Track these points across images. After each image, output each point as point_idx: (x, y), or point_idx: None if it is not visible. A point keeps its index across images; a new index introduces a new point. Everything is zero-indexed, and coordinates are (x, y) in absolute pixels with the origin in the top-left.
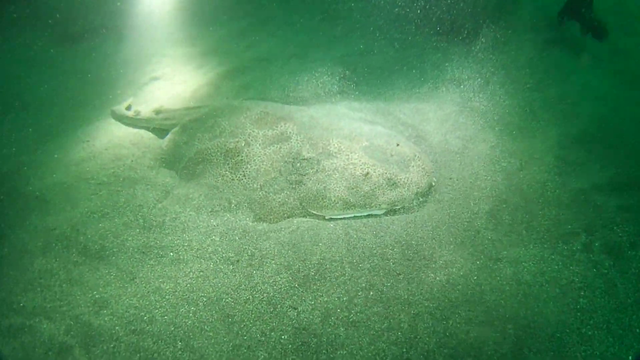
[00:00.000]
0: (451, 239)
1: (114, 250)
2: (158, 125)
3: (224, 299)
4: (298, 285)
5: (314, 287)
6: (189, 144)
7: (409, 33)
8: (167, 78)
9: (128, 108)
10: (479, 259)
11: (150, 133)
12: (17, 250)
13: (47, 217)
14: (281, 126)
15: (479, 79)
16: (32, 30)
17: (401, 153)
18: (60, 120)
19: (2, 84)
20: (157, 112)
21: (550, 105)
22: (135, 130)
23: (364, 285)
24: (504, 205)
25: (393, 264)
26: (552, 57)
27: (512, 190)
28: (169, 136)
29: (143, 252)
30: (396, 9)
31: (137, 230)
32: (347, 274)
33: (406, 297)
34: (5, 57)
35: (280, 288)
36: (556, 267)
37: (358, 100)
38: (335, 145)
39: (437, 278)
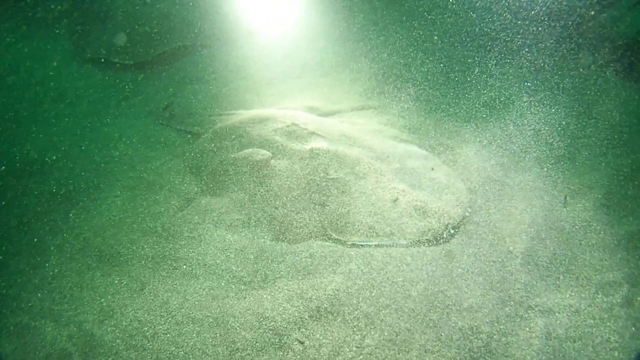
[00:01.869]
0: (480, 280)
1: (129, 257)
2: (190, 128)
3: (230, 322)
4: (309, 316)
5: (325, 320)
6: (216, 152)
7: (459, 46)
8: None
9: (166, 107)
10: (508, 305)
11: (182, 136)
12: (34, 246)
13: (69, 215)
14: (311, 141)
15: (524, 99)
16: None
17: (435, 178)
18: (97, 114)
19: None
20: (190, 114)
21: (601, 133)
22: (168, 132)
23: (378, 323)
24: (542, 245)
25: (413, 303)
26: (605, 81)
27: (553, 229)
28: (198, 141)
29: (156, 262)
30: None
31: (154, 238)
32: (362, 310)
33: (423, 342)
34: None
35: (290, 318)
36: (592, 321)
37: (394, 115)
38: (365, 166)
39: (460, 323)
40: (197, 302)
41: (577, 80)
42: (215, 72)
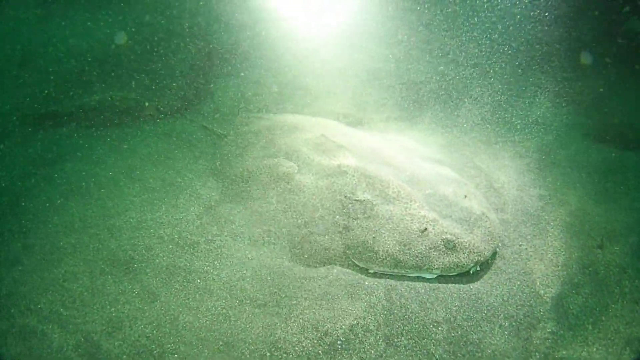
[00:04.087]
0: (506, 324)
1: (143, 264)
2: (216, 128)
3: (240, 348)
4: (322, 352)
5: (340, 357)
6: (241, 157)
7: (503, 62)
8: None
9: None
10: (533, 356)
11: (209, 135)
12: (49, 243)
13: (87, 211)
14: (339, 157)
15: (566, 128)
16: None
17: (467, 209)
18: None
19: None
20: (218, 112)
21: None
22: (194, 128)
23: None
24: (574, 292)
25: (434, 345)
26: None
27: (587, 273)
28: (223, 143)
29: (171, 273)
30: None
31: (170, 246)
32: (379, 349)
33: None
34: None
35: (302, 351)
36: None
37: (429, 131)
38: (394, 190)
39: None
40: (208, 322)
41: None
42: None
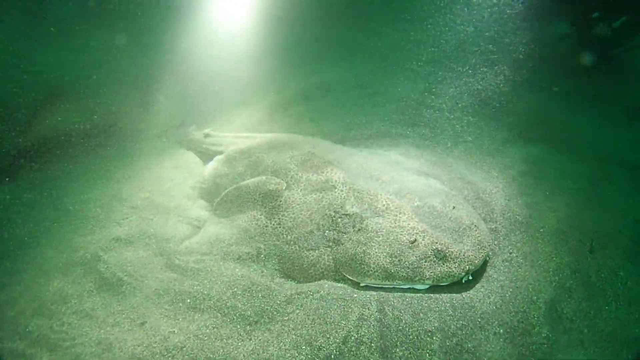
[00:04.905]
0: (501, 332)
1: (132, 286)
2: (205, 150)
3: None
4: None
5: None
6: (229, 177)
7: (488, 77)
8: (226, 100)
9: (180, 126)
10: None
11: (196, 157)
12: (38, 265)
13: (75, 235)
14: (327, 172)
15: (552, 140)
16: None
17: (457, 219)
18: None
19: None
20: (206, 135)
21: (630, 174)
22: (183, 152)
23: None
24: (567, 296)
25: (430, 355)
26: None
27: (579, 278)
28: (211, 164)
29: (160, 294)
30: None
31: (159, 267)
32: None
33: None
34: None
35: None
36: None
37: (416, 147)
38: (383, 202)
39: None
40: (199, 342)
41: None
42: None
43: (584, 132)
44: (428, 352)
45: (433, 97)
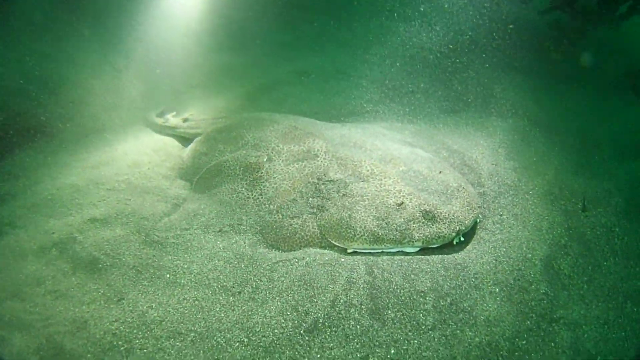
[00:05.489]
0: (496, 290)
1: (108, 264)
2: (183, 134)
3: (215, 338)
4: (304, 331)
5: (323, 336)
6: (209, 155)
7: (461, 54)
8: (204, 88)
9: (160, 115)
10: (529, 318)
11: (175, 141)
12: (12, 250)
13: (50, 219)
14: (309, 142)
15: (536, 115)
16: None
17: (444, 182)
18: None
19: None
20: (185, 120)
21: (616, 140)
22: (161, 137)
23: (384, 339)
24: (563, 253)
25: (423, 315)
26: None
27: (573, 235)
28: (190, 145)
29: (138, 271)
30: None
31: (137, 244)
32: (365, 324)
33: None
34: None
35: (283, 333)
36: (623, 333)
37: (399, 121)
38: (368, 168)
39: (477, 338)
40: (179, 315)
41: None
42: None
43: (569, 107)
44: (422, 312)
45: (413, 79)
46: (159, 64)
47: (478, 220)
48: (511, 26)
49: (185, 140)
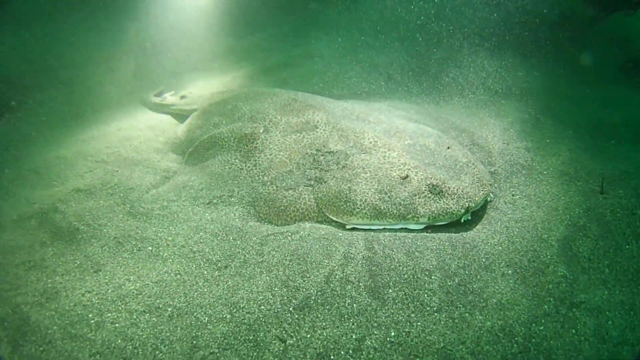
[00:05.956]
0: (510, 272)
1: (88, 234)
2: (180, 111)
3: (195, 314)
4: (294, 309)
5: (315, 314)
6: (203, 128)
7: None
8: (207, 69)
9: (158, 95)
10: (547, 302)
11: (172, 118)
12: None
13: (34, 190)
14: (308, 114)
15: (548, 98)
16: None
17: (452, 157)
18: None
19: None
20: (182, 97)
21: (632, 124)
22: (157, 115)
23: (383, 320)
24: (582, 234)
25: (428, 296)
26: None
27: (592, 216)
28: (186, 120)
29: (119, 242)
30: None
31: (121, 215)
32: (362, 302)
33: (442, 344)
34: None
35: (270, 310)
36: None
37: (405, 100)
38: (370, 139)
39: (488, 323)
40: (159, 289)
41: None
42: None
43: (580, 94)
44: (426, 292)
45: (418, 60)
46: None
47: (489, 198)
48: (524, 20)
49: (182, 117)
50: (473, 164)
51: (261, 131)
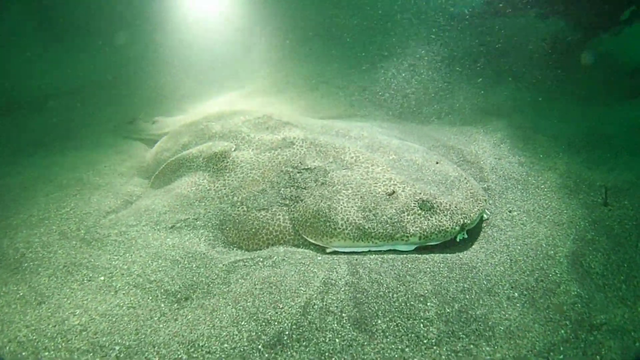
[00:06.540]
0: (516, 295)
1: (36, 262)
2: (151, 136)
3: (146, 354)
4: (263, 346)
5: (289, 352)
6: (171, 150)
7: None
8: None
9: (131, 122)
10: (563, 327)
11: (142, 144)
12: None
13: None
14: (285, 131)
15: (539, 112)
16: None
17: (442, 172)
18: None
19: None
20: (154, 122)
21: (627, 137)
22: (129, 141)
23: (372, 357)
24: (591, 249)
25: (424, 326)
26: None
27: (599, 229)
28: (157, 143)
29: (69, 272)
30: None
31: (74, 242)
32: (346, 337)
33: None
34: None
35: (234, 348)
36: None
37: (388, 121)
38: (352, 154)
39: (498, 355)
40: (107, 324)
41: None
42: None
43: (572, 110)
44: (422, 322)
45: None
46: None
47: (485, 216)
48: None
49: (154, 142)
50: (465, 178)
51: (232, 149)
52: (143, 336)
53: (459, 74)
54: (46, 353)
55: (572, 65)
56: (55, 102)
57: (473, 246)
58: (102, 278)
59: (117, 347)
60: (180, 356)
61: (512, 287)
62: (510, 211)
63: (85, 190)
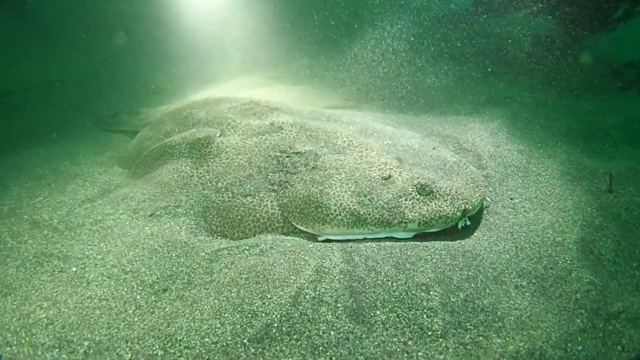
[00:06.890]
0: (524, 283)
1: (4, 253)
2: (134, 127)
3: (117, 350)
4: (249, 340)
5: (278, 347)
6: (153, 138)
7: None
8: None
9: (113, 116)
10: (578, 316)
11: (125, 136)
12: None
13: None
14: (272, 116)
15: (534, 102)
16: None
17: (439, 157)
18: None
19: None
20: (137, 113)
21: (625, 128)
22: (111, 133)
23: (371, 351)
24: (600, 235)
25: (428, 317)
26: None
27: (607, 215)
28: (138, 133)
29: (39, 262)
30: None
31: (46, 232)
32: (341, 329)
33: None
34: None
35: (216, 343)
36: None
37: (382, 111)
38: (344, 139)
39: (511, 347)
40: (76, 318)
41: None
42: None
43: (569, 103)
44: (426, 313)
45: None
46: None
47: (485, 203)
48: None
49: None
50: (464, 164)
51: (217, 135)
52: (115, 330)
53: (453, 67)
54: (8, 348)
55: (566, 60)
56: (34, 94)
57: (475, 234)
58: (74, 269)
59: (85, 343)
60: (155, 352)
61: (519, 276)
62: (511, 198)
63: (60, 179)
